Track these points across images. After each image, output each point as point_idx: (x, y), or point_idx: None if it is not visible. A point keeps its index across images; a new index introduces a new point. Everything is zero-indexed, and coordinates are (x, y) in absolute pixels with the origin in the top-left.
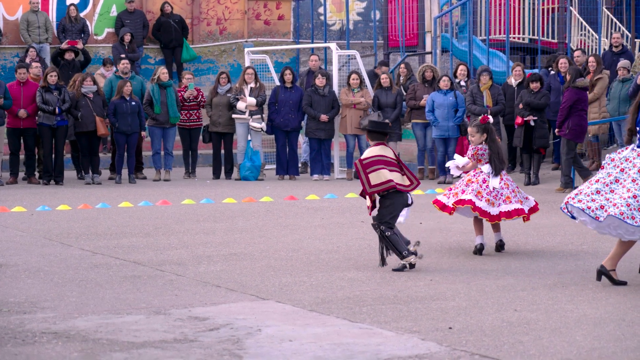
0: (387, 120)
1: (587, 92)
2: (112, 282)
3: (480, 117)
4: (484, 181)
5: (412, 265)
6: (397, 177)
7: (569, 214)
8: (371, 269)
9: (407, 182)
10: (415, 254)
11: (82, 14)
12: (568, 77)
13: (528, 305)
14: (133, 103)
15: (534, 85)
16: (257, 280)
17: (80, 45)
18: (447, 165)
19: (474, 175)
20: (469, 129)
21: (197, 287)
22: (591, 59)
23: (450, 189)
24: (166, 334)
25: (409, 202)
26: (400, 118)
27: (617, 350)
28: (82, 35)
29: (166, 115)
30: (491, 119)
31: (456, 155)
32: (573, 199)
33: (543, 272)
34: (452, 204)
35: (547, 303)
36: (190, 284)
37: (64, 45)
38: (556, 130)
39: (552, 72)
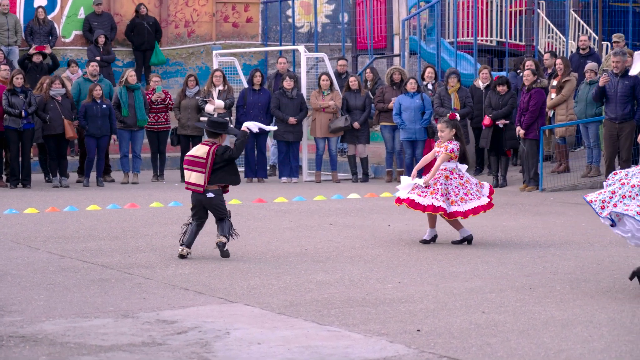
0: (224, 120)
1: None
2: (79, 286)
3: (449, 114)
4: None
5: (181, 256)
6: (193, 177)
7: (608, 219)
8: (339, 271)
9: (202, 182)
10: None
11: (50, 17)
12: (533, 77)
13: (496, 308)
14: (104, 106)
15: (501, 89)
16: (226, 283)
17: (48, 50)
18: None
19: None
20: (439, 125)
21: (165, 290)
22: (558, 61)
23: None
24: (134, 337)
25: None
26: (369, 120)
27: (584, 351)
28: (50, 37)
29: (134, 118)
30: (458, 116)
31: (403, 179)
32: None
33: (511, 274)
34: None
35: (515, 305)
36: (158, 287)
37: (32, 51)
38: (521, 132)
39: (520, 75)
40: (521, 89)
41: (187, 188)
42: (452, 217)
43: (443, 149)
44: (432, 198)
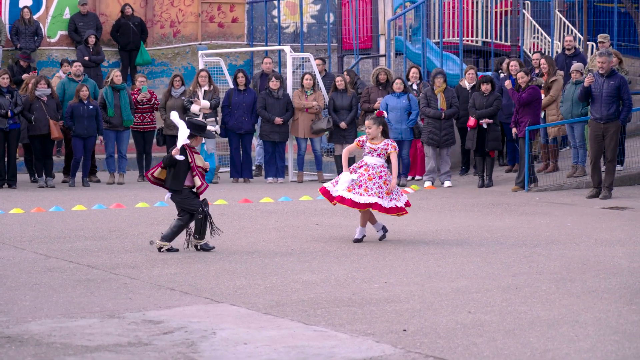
0: (202, 123)
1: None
2: (65, 286)
3: (376, 112)
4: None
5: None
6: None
7: None
8: (326, 271)
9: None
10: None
11: (35, 17)
12: (526, 77)
13: (482, 307)
14: (91, 106)
15: (485, 87)
16: (212, 283)
17: (33, 62)
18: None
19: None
20: (367, 122)
21: (151, 290)
22: (543, 61)
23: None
24: (120, 337)
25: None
26: (355, 120)
27: (570, 351)
28: (36, 37)
29: (120, 118)
30: (386, 114)
31: (344, 176)
32: None
33: (497, 274)
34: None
35: (501, 305)
36: (144, 287)
37: (22, 63)
38: (513, 130)
39: (503, 75)
40: (516, 89)
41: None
42: (391, 212)
43: (392, 149)
44: (369, 196)
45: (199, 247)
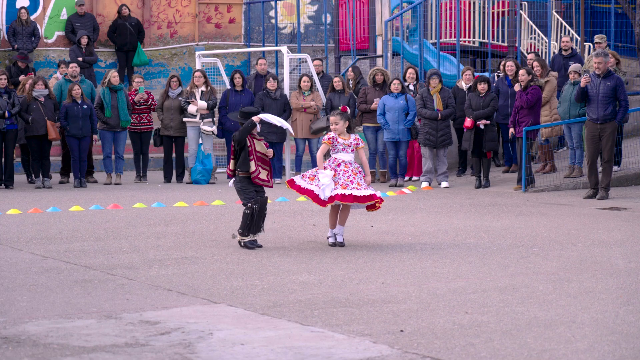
0: (255, 109)
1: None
2: (62, 287)
3: (340, 107)
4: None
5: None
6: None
7: None
8: (323, 272)
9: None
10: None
11: (32, 17)
12: (527, 76)
13: (479, 308)
14: (85, 106)
15: (481, 87)
16: (209, 284)
17: (30, 62)
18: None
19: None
20: (332, 118)
21: (148, 291)
22: (535, 63)
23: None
24: (117, 338)
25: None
26: (353, 120)
27: (567, 352)
28: (33, 38)
29: (117, 119)
30: (349, 110)
31: (321, 175)
32: None
33: (494, 274)
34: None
35: (498, 305)
36: (141, 288)
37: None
38: (511, 130)
39: (500, 76)
40: (519, 89)
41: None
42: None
43: (362, 143)
44: (365, 189)
45: (242, 243)
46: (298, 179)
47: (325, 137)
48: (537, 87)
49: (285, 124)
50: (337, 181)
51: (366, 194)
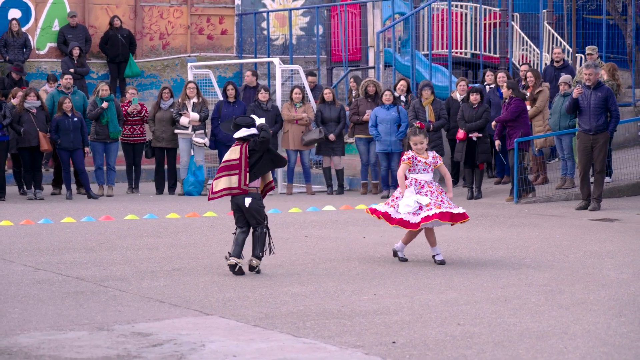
0: (250, 119)
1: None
2: (54, 298)
3: (417, 123)
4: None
5: (231, 267)
6: (222, 183)
7: None
8: (315, 283)
9: (237, 184)
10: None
11: (24, 29)
12: (508, 91)
13: (471, 319)
14: (75, 119)
15: (474, 98)
16: (201, 296)
17: (24, 73)
18: (412, 208)
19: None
20: (416, 138)
21: (140, 302)
22: (529, 74)
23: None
24: (109, 350)
25: (245, 204)
26: (343, 132)
27: None
28: (24, 49)
29: (106, 129)
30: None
31: (407, 199)
32: None
33: (486, 286)
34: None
35: (490, 317)
36: (133, 299)
37: (14, 75)
38: (496, 143)
39: (491, 87)
40: (502, 103)
41: (217, 197)
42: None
43: (440, 160)
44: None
45: (256, 269)
46: (382, 206)
47: (404, 156)
48: (518, 99)
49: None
50: (429, 202)
51: (460, 212)
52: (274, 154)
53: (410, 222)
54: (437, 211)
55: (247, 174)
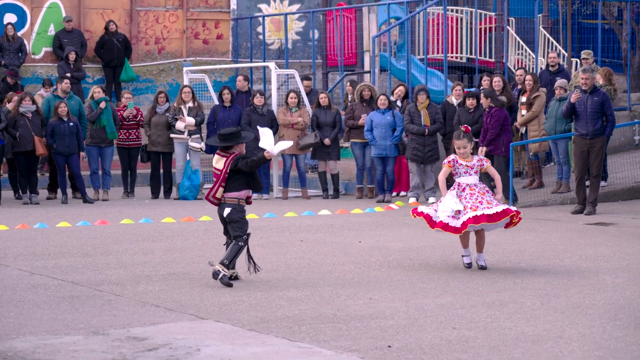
0: (234, 131)
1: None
2: (50, 303)
3: (462, 126)
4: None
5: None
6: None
7: None
8: (310, 287)
9: (217, 195)
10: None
11: (19, 33)
12: (486, 100)
13: (467, 323)
14: (71, 124)
15: (470, 102)
16: (196, 300)
17: (19, 77)
18: (450, 212)
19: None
20: (459, 142)
21: (135, 307)
22: (528, 77)
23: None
24: (105, 354)
25: (224, 214)
26: (339, 137)
27: None
28: (20, 54)
29: (103, 132)
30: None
31: (446, 202)
32: None
33: (481, 290)
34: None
35: (486, 321)
36: (128, 304)
37: (9, 80)
38: (485, 149)
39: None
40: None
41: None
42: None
43: (486, 163)
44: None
45: (220, 276)
46: (425, 208)
47: (445, 160)
48: (497, 108)
49: (274, 148)
50: (466, 205)
51: (498, 211)
52: (253, 177)
53: (450, 225)
54: (472, 214)
55: (220, 188)
